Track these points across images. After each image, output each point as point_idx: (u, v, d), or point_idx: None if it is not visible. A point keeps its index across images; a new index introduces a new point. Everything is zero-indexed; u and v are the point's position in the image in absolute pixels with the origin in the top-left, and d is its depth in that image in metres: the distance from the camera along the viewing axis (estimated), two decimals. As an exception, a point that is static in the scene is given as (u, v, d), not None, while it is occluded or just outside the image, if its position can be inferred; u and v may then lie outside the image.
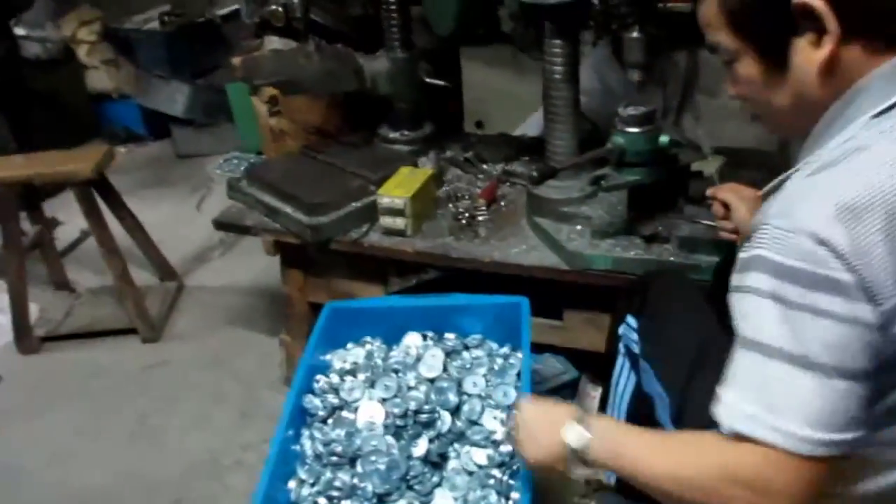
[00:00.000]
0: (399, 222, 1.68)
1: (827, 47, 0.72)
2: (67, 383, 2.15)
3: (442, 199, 1.82)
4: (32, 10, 3.48)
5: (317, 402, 1.33)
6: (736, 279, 0.75)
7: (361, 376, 1.38)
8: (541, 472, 1.04)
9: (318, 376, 1.39)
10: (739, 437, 0.71)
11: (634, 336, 1.23)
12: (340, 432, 1.26)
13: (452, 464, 1.26)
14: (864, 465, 0.78)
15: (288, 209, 1.75)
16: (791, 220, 0.69)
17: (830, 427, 0.68)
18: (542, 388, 1.72)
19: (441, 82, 1.91)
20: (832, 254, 0.66)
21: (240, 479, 1.75)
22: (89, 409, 2.04)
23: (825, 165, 0.72)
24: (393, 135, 1.97)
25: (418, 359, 1.42)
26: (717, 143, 2.03)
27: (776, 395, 0.69)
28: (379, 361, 1.41)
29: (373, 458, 1.22)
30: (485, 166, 1.95)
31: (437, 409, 1.30)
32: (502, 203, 1.79)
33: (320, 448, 1.25)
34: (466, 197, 1.82)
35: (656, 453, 0.80)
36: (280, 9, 1.83)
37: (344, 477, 1.20)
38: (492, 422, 1.29)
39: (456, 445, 1.28)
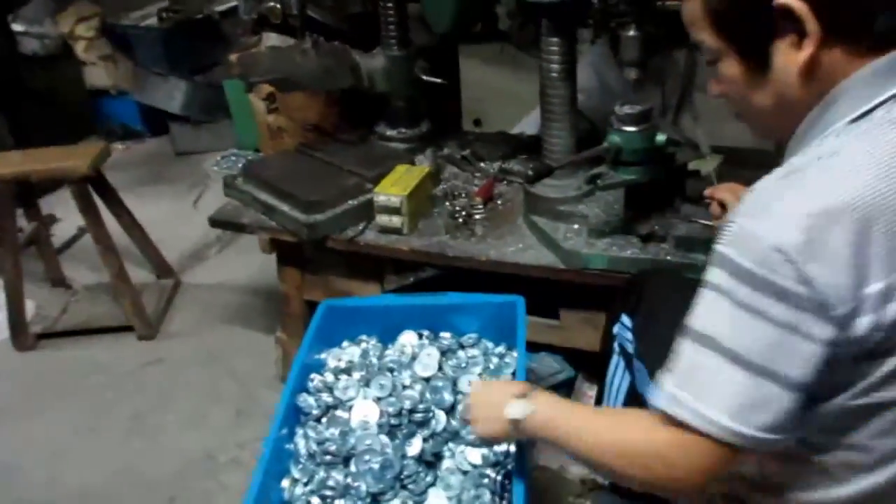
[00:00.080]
0: (395, 220, 1.67)
1: (807, 49, 0.72)
2: (63, 381, 2.15)
3: (439, 198, 1.82)
4: (30, 5, 3.48)
5: (311, 400, 1.33)
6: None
7: (356, 375, 1.37)
8: (491, 442, 1.13)
9: (313, 375, 1.38)
10: (666, 416, 0.75)
11: (629, 335, 1.22)
12: (334, 431, 1.26)
13: (447, 463, 1.25)
14: (827, 473, 0.79)
15: (284, 207, 1.74)
16: (754, 221, 0.70)
17: (750, 423, 0.70)
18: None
19: (437, 80, 1.90)
20: (786, 261, 0.67)
21: (235, 477, 1.74)
22: (85, 406, 2.04)
23: (797, 169, 0.73)
24: (390, 132, 1.96)
25: (414, 357, 1.41)
26: (715, 142, 2.02)
27: (705, 383, 0.72)
28: (374, 360, 1.41)
29: (367, 457, 1.21)
30: (482, 164, 1.94)
31: (432, 408, 1.30)
32: (499, 201, 1.79)
33: (314, 447, 1.24)
34: (463, 195, 1.82)
35: (590, 424, 0.86)
36: (277, 5, 1.83)
37: (337, 476, 1.20)
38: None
39: (450, 445, 1.28)
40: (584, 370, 1.75)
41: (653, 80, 2.29)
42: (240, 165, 2.11)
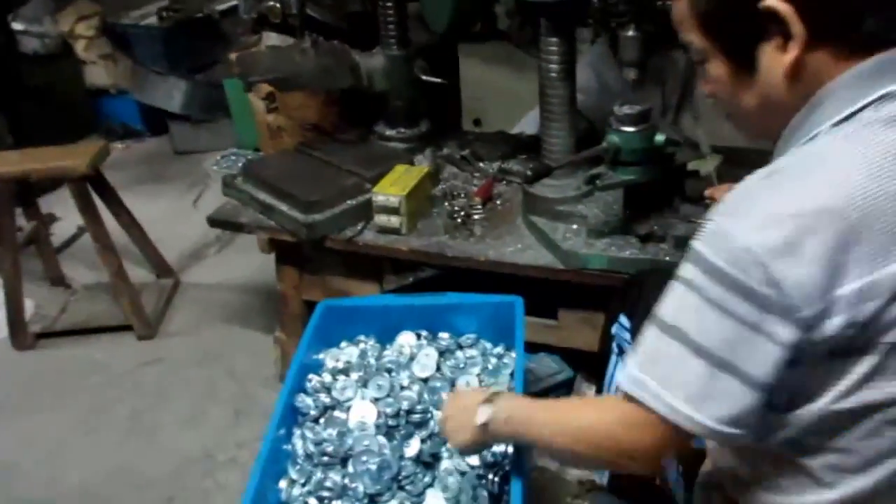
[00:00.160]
0: (394, 220, 1.67)
1: (792, 52, 0.72)
2: (62, 380, 2.15)
3: (438, 198, 1.81)
4: (30, 4, 3.47)
5: (309, 401, 1.33)
6: None
7: (354, 375, 1.37)
8: (468, 452, 1.13)
9: (311, 375, 1.38)
10: (627, 397, 0.77)
11: (627, 335, 1.22)
12: (332, 432, 1.25)
13: (444, 464, 1.25)
14: (816, 475, 0.79)
15: (283, 206, 1.74)
16: (729, 220, 0.71)
17: (707, 413, 0.72)
18: (537, 387, 1.71)
19: (437, 79, 1.90)
20: (756, 262, 0.68)
21: (234, 477, 1.74)
22: (84, 405, 2.04)
23: (779, 170, 0.73)
24: (389, 132, 1.96)
25: (412, 358, 1.41)
26: (716, 142, 2.01)
27: (668, 370, 0.74)
28: (372, 361, 1.41)
29: (364, 458, 1.21)
30: (481, 164, 1.94)
31: (430, 408, 1.30)
32: (498, 201, 1.79)
33: (311, 448, 1.24)
34: (462, 195, 1.82)
35: (550, 413, 0.90)
36: (277, 5, 1.82)
37: (335, 477, 1.20)
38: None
39: (448, 445, 1.28)
40: (582, 370, 1.75)
41: (653, 80, 2.28)
42: (240, 165, 2.10)
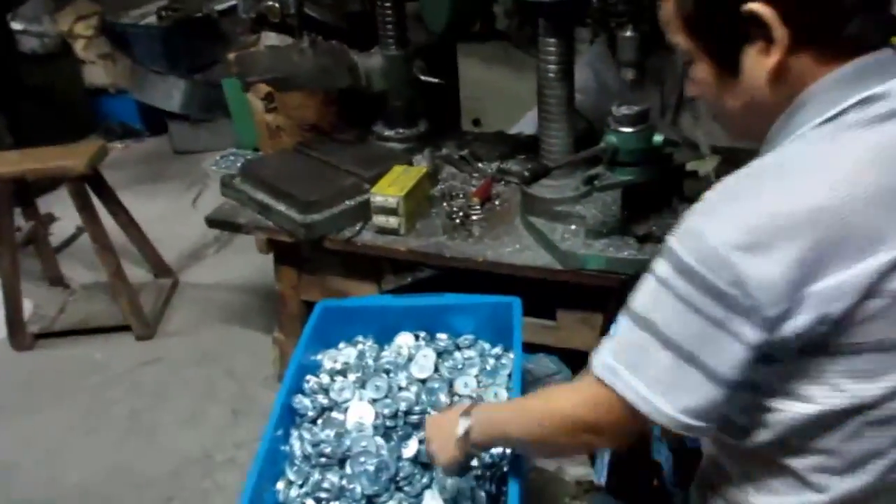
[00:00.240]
0: (392, 221, 1.67)
1: (775, 55, 0.72)
2: (61, 380, 2.15)
3: (436, 198, 1.81)
4: (29, 4, 3.47)
5: (306, 402, 1.33)
6: None
7: (352, 376, 1.37)
8: (453, 472, 1.14)
9: (309, 376, 1.38)
10: (599, 382, 0.80)
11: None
12: (330, 433, 1.26)
13: (442, 465, 1.25)
14: (803, 476, 0.79)
15: (281, 207, 1.74)
16: (703, 219, 0.72)
17: (672, 403, 0.74)
18: (535, 388, 1.71)
19: (435, 80, 1.89)
20: (723, 262, 0.69)
21: (232, 477, 1.74)
22: (83, 405, 2.04)
23: (756, 171, 0.74)
24: (388, 132, 1.96)
25: (410, 359, 1.41)
26: (715, 142, 2.01)
27: (638, 358, 0.76)
28: (370, 362, 1.41)
29: (362, 459, 1.21)
30: (480, 164, 1.94)
31: (428, 409, 1.30)
32: (496, 202, 1.78)
33: (309, 449, 1.24)
34: (461, 196, 1.81)
35: (519, 406, 0.94)
36: (276, 4, 1.82)
37: (333, 478, 1.20)
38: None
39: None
40: (581, 371, 1.75)
41: (652, 80, 2.28)
42: (239, 164, 2.11)
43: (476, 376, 1.38)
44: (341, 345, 1.48)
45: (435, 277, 1.81)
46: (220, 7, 3.45)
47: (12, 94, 3.33)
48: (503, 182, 1.86)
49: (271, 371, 2.03)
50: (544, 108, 1.59)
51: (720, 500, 0.89)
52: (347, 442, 1.24)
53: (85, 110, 3.73)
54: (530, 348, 1.65)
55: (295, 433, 1.29)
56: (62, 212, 2.86)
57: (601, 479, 1.40)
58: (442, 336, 1.46)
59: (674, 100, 2.37)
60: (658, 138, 1.43)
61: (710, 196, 0.74)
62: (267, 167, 1.92)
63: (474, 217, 1.72)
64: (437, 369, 1.40)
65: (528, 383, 1.63)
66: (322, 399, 1.33)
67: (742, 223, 0.69)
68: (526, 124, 2.33)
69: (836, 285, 0.68)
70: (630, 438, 0.83)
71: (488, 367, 1.40)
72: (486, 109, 2.63)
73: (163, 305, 2.40)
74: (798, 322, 0.69)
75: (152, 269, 2.53)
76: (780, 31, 0.71)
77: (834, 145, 0.71)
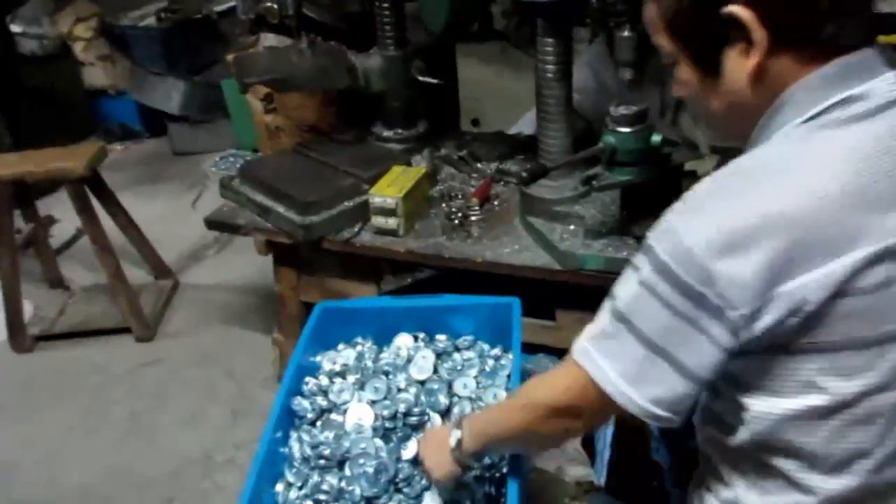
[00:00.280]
0: (391, 222, 1.67)
1: (755, 58, 0.73)
2: (61, 381, 2.15)
3: (435, 198, 1.81)
4: (28, 5, 3.48)
5: (305, 404, 1.32)
6: None
7: (351, 378, 1.37)
8: (449, 485, 1.15)
9: (308, 378, 1.38)
10: (577, 366, 0.82)
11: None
12: (329, 435, 1.25)
13: (442, 466, 1.25)
14: (784, 480, 0.80)
15: (280, 208, 1.74)
16: (679, 218, 0.74)
17: (642, 393, 0.77)
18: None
19: (434, 80, 1.89)
20: (695, 261, 0.70)
21: (232, 478, 1.75)
22: (83, 407, 2.04)
23: (735, 171, 0.75)
24: (387, 133, 1.96)
25: (409, 360, 1.41)
26: (715, 143, 2.01)
27: (613, 347, 0.79)
28: (369, 363, 1.40)
29: (361, 460, 1.21)
30: (479, 165, 1.94)
31: (427, 411, 1.29)
32: (495, 202, 1.78)
33: (308, 451, 1.23)
34: (460, 196, 1.81)
35: (502, 405, 0.99)
36: (275, 6, 1.82)
37: (332, 480, 1.19)
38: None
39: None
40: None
41: (651, 80, 2.28)
42: (238, 165, 2.11)
43: (475, 377, 1.38)
44: (340, 346, 1.47)
45: (434, 278, 1.81)
46: (219, 8, 3.46)
47: (12, 96, 3.33)
48: (502, 182, 1.85)
49: (271, 372, 2.03)
50: (543, 109, 1.59)
51: (714, 499, 0.89)
52: (346, 444, 1.24)
53: (84, 112, 3.74)
54: (530, 349, 1.65)
55: (294, 435, 1.29)
56: (62, 213, 2.86)
57: (601, 480, 1.40)
58: (441, 337, 1.45)
59: (673, 100, 2.37)
60: (656, 138, 1.43)
61: (688, 195, 0.76)
62: (266, 168, 1.91)
63: (473, 217, 1.72)
64: (436, 370, 1.39)
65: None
66: (321, 401, 1.32)
67: (717, 224, 0.70)
68: (525, 124, 2.33)
69: (807, 284, 0.69)
70: (606, 420, 0.87)
71: (488, 368, 1.40)
72: (485, 109, 2.63)
73: (163, 307, 2.41)
74: (769, 320, 0.70)
75: (152, 270, 2.53)
76: (759, 33, 0.72)
77: (809, 145, 0.72)
